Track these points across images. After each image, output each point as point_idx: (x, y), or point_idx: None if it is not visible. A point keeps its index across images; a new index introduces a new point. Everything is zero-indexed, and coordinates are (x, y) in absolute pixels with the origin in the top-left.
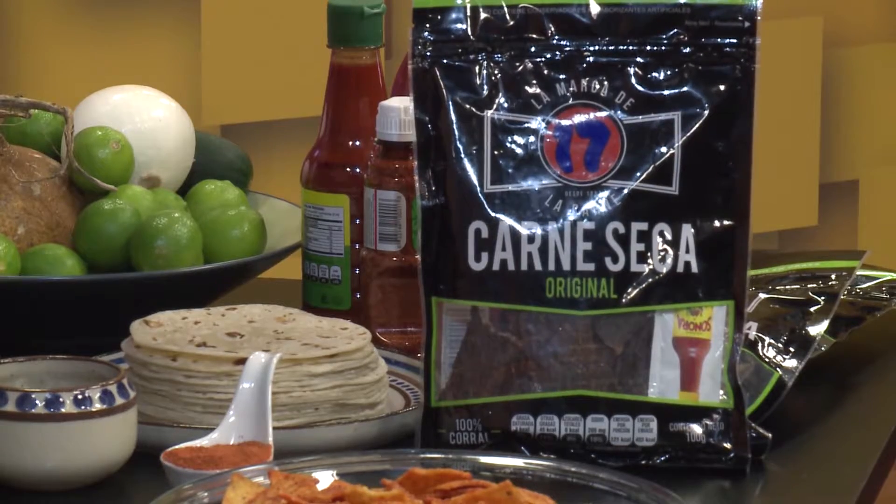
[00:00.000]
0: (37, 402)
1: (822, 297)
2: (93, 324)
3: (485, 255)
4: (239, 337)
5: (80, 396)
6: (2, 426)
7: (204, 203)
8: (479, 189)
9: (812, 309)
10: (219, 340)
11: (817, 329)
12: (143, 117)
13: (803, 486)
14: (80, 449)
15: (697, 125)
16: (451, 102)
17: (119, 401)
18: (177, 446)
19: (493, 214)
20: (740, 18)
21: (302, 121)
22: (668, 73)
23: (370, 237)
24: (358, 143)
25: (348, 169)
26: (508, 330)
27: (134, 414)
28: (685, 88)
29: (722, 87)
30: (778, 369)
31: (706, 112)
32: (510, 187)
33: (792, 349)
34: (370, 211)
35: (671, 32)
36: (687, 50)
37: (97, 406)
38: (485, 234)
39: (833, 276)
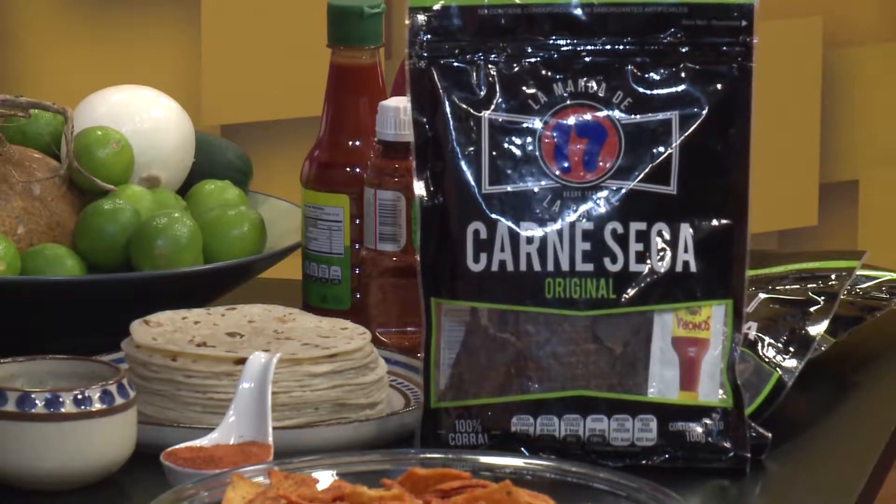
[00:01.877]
0: (37, 402)
1: (822, 297)
2: (93, 324)
3: (484, 256)
4: (239, 337)
5: (80, 396)
6: (2, 426)
7: (204, 203)
8: (477, 190)
9: (812, 309)
10: (219, 340)
11: (817, 329)
12: (143, 117)
13: (803, 486)
14: (80, 449)
15: (695, 125)
16: (448, 103)
17: (119, 401)
18: (177, 446)
19: (491, 215)
20: (737, 17)
21: (302, 121)
22: (666, 72)
23: (370, 237)
24: (358, 143)
25: (348, 169)
26: (508, 331)
27: (134, 414)
28: (683, 88)
29: (719, 87)
30: (778, 369)
31: (704, 111)
32: (509, 188)
33: (792, 349)
34: (370, 211)
35: (668, 32)
36: (684, 49)
37: (97, 406)
38: (483, 234)
39: (833, 276)
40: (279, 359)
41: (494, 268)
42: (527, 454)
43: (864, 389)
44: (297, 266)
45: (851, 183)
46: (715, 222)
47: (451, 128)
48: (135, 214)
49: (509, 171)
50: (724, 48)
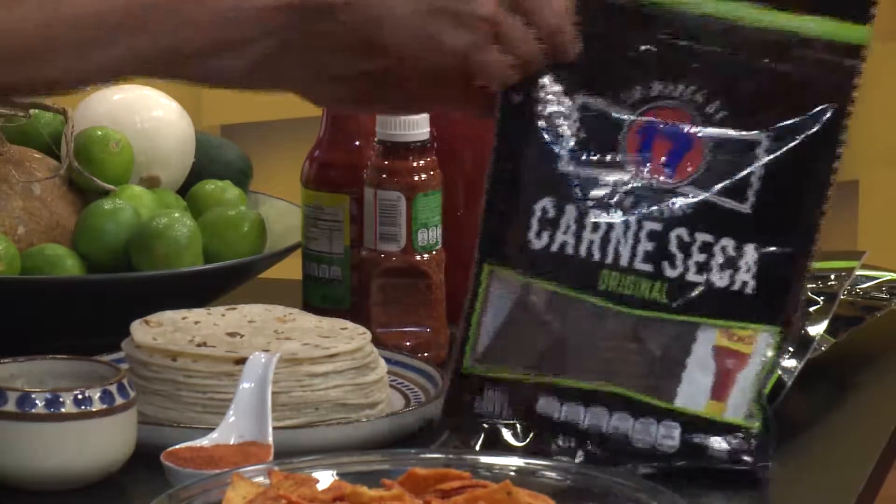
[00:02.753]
0: (37, 402)
1: (822, 297)
2: (93, 324)
3: (546, 234)
4: (239, 337)
5: (80, 396)
6: (2, 426)
7: (204, 203)
8: (555, 167)
9: (812, 309)
10: (219, 340)
11: (817, 329)
12: (143, 117)
13: (803, 486)
14: (80, 449)
15: (782, 150)
16: (544, 76)
17: (119, 401)
18: (177, 446)
19: (563, 196)
20: (847, 55)
21: (302, 121)
22: (765, 94)
23: (370, 237)
24: (358, 143)
25: (348, 169)
26: (554, 313)
27: (134, 414)
28: (779, 113)
29: (815, 120)
30: (778, 369)
31: (794, 140)
32: (586, 172)
33: (792, 349)
34: (370, 211)
35: (778, 56)
36: (789, 76)
37: (97, 406)
38: (551, 213)
39: (833, 276)
40: (279, 359)
41: (555, 248)
42: (526, 453)
43: (864, 389)
44: (297, 266)
45: (851, 183)
46: (781, 249)
47: (544, 101)
48: (135, 214)
49: (590, 157)
50: (829, 83)
